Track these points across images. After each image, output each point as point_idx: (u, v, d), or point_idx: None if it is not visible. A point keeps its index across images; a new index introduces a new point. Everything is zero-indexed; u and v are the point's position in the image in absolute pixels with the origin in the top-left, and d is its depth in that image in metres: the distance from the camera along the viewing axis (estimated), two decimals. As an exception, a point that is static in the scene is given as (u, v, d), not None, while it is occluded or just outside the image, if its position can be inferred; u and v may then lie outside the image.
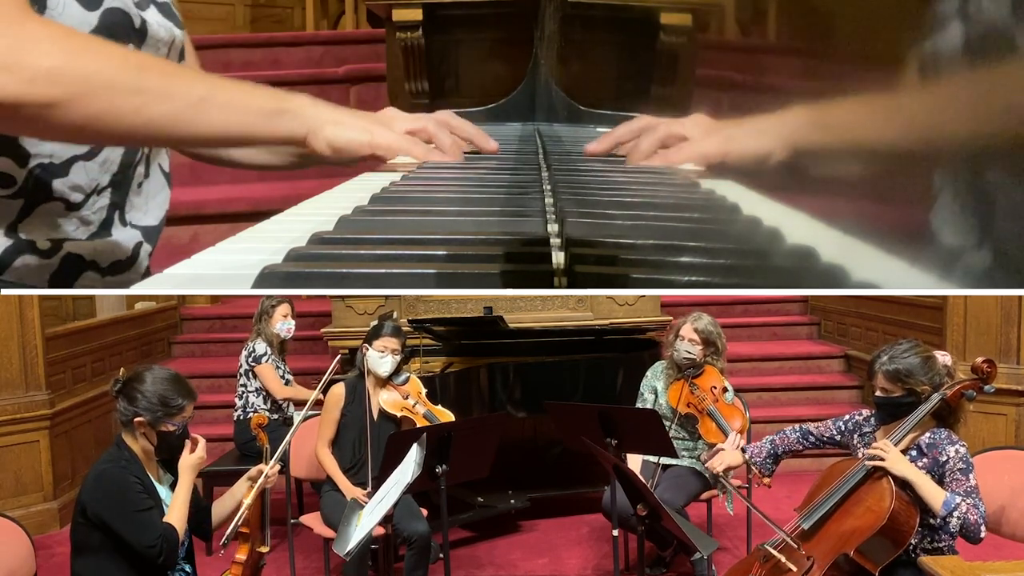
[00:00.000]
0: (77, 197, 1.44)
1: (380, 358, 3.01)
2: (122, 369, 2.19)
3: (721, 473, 2.39)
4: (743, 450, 2.48)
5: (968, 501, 2.05)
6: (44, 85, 1.13)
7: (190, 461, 2.13)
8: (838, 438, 2.37)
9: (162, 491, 2.15)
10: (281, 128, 1.43)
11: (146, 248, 1.60)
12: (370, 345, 3.04)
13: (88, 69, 1.17)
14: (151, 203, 1.62)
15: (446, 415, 3.12)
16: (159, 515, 2.07)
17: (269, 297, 3.90)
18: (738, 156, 1.63)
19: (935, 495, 2.06)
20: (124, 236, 1.54)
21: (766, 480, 2.67)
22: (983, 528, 2.04)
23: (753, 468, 2.44)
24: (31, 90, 1.12)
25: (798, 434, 2.43)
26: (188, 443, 2.14)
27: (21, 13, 1.16)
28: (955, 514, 2.02)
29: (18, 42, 1.12)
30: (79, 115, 1.18)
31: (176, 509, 2.10)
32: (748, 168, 1.59)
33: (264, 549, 2.35)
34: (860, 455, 2.23)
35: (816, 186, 1.28)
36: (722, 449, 2.91)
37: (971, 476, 2.10)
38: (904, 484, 2.13)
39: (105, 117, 1.20)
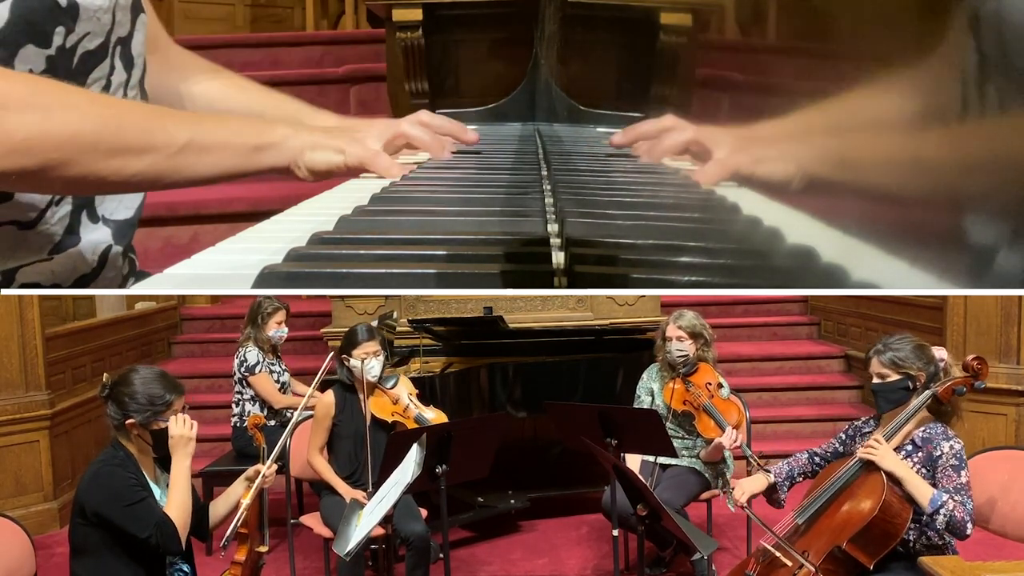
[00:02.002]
0: (30, 215, 1.32)
1: (366, 364, 2.95)
2: (105, 374, 2.19)
3: (744, 504, 2.34)
4: (767, 471, 2.44)
5: (956, 498, 2.06)
6: (19, 158, 1.06)
7: (178, 435, 2.07)
8: (842, 449, 2.38)
9: (158, 491, 2.14)
10: (264, 163, 1.43)
11: (116, 250, 1.49)
12: (350, 356, 2.98)
13: (64, 135, 1.10)
14: None
15: (439, 416, 3.10)
16: (155, 505, 2.05)
17: (268, 299, 3.85)
18: (762, 179, 1.62)
19: (923, 492, 2.07)
20: (91, 239, 1.44)
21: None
22: (969, 525, 2.05)
23: (772, 498, 2.40)
24: (6, 163, 1.06)
25: (806, 457, 2.43)
26: (172, 419, 2.08)
27: None
28: (942, 511, 2.04)
29: None
30: (59, 180, 1.13)
31: (175, 492, 2.07)
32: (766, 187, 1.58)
33: (263, 549, 2.34)
34: (858, 453, 2.23)
35: (816, 186, 1.28)
36: (720, 443, 2.93)
37: (963, 473, 2.11)
38: (896, 478, 2.15)
39: (87, 179, 1.15)
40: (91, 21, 1.31)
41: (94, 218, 1.46)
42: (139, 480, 2.08)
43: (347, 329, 3.11)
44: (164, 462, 2.18)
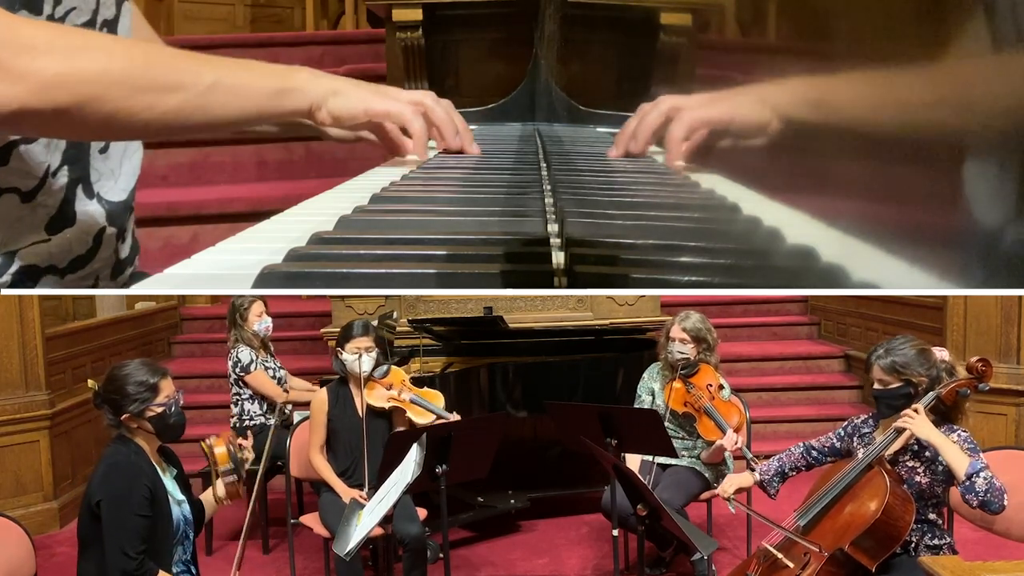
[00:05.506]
0: (29, 184, 1.35)
1: (355, 359, 2.98)
2: (89, 380, 2.18)
3: (733, 496, 2.36)
4: (752, 469, 2.45)
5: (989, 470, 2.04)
6: (53, 92, 1.10)
7: None
8: (839, 446, 2.37)
9: (168, 483, 2.13)
10: (287, 105, 1.45)
11: (110, 233, 1.51)
12: (343, 349, 3.02)
13: (93, 70, 1.14)
14: (124, 167, 1.54)
15: (434, 396, 3.13)
16: (150, 533, 2.02)
17: (239, 298, 3.78)
18: (742, 122, 1.63)
19: (960, 459, 2.04)
20: (86, 220, 1.46)
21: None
22: (1006, 496, 2.02)
23: (763, 488, 2.42)
24: (41, 99, 1.10)
25: (801, 450, 2.42)
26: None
27: (9, 18, 1.12)
28: (981, 474, 2.00)
29: (17, 49, 1.08)
30: (93, 118, 1.16)
31: None
32: (748, 135, 1.59)
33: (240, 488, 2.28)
34: (860, 455, 2.23)
35: (816, 185, 1.28)
36: (721, 445, 2.93)
37: (980, 456, 2.08)
38: (899, 479, 2.14)
39: (119, 116, 1.18)
40: None
41: (89, 193, 1.47)
42: (153, 491, 2.05)
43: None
44: (167, 453, 2.18)
